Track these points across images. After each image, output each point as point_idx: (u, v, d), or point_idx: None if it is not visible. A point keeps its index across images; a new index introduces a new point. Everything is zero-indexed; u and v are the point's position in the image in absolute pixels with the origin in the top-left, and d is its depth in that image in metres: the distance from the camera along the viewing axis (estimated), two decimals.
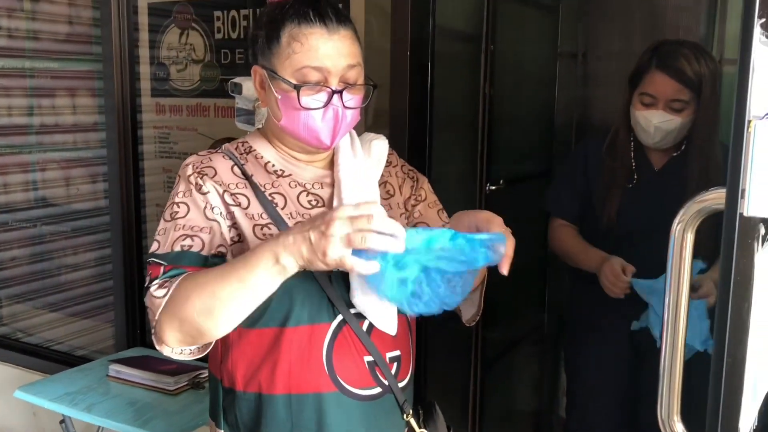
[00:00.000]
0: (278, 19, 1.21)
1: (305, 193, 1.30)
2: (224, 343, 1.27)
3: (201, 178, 1.23)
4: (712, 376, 0.77)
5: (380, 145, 1.39)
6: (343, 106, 1.22)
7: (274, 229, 1.23)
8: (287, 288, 1.17)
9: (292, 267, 1.07)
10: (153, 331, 1.17)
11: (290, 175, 1.30)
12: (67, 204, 2.76)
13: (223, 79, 2.23)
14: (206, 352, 1.23)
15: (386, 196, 1.35)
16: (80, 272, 2.80)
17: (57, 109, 2.70)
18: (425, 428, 1.35)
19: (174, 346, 1.17)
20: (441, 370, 2.23)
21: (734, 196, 0.73)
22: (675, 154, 2.02)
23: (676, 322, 0.90)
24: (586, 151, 2.17)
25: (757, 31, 0.71)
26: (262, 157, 1.31)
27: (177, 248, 1.18)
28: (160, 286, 1.15)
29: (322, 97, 1.21)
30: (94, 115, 2.58)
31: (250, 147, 1.32)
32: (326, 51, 1.20)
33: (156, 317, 1.15)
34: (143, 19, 2.35)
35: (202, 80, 2.28)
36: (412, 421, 1.32)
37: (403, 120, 1.75)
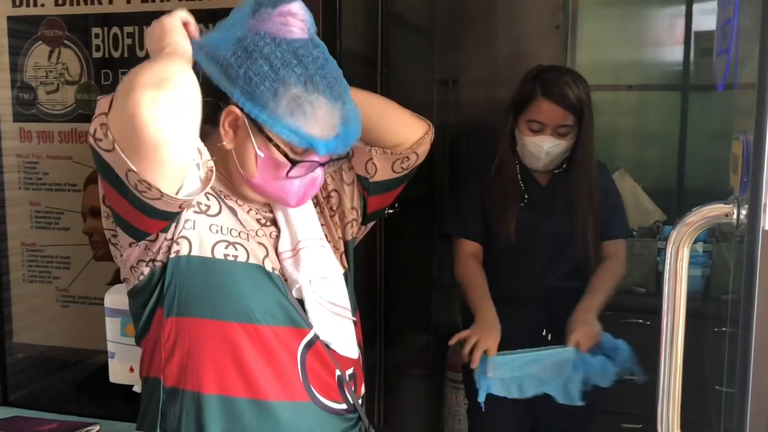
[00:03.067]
0: (280, 68, 1.11)
1: (254, 210, 1.25)
2: (175, 335, 1.16)
3: None
4: (738, 399, 0.79)
5: None
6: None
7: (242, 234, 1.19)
8: (256, 281, 1.15)
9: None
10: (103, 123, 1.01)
11: (234, 195, 1.25)
12: None
13: None
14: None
15: (332, 213, 1.35)
16: None
17: None
18: None
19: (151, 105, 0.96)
20: None
21: (756, 211, 0.76)
22: (557, 171, 2.14)
23: (674, 344, 0.92)
24: (476, 173, 2.23)
25: None
26: None
27: None
28: None
29: (305, 165, 1.17)
30: None
31: None
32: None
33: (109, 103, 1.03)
34: (1, 39, 2.09)
35: (77, 103, 2.07)
36: None
37: None
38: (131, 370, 1.66)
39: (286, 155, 1.13)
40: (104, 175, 1.06)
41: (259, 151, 1.14)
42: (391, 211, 2.35)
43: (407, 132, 1.37)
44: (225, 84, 1.12)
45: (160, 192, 1.01)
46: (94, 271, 2.10)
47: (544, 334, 2.11)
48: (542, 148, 2.03)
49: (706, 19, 2.96)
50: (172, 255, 1.13)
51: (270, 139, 1.13)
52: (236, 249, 1.16)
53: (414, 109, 2.86)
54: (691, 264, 0.92)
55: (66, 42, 2.05)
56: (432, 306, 3.09)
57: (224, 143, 1.16)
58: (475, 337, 1.91)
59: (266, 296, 1.17)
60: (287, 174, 1.14)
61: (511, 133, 2.11)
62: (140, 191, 1.02)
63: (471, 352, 1.88)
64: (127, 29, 1.98)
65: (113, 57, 2.01)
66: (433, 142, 3.13)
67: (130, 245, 1.14)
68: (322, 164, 1.18)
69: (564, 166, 2.13)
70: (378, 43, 2.22)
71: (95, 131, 1.03)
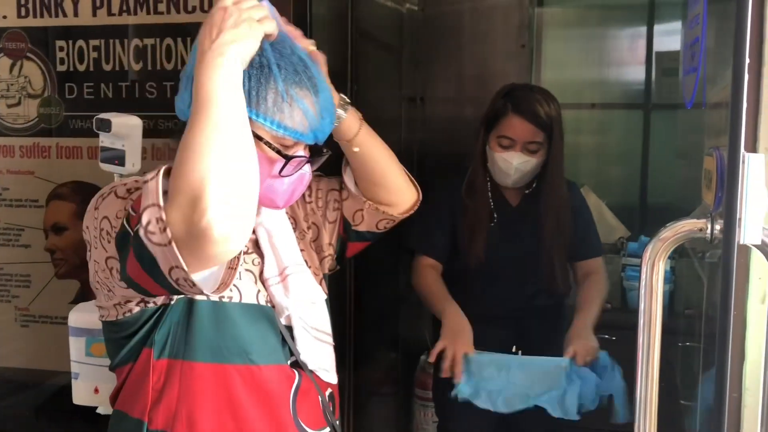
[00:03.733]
0: (261, 65, 1.09)
1: None
2: (165, 377, 1.13)
3: None
4: (714, 411, 0.80)
5: None
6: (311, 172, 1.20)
7: None
8: (252, 320, 1.14)
9: (231, 57, 0.98)
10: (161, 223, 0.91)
11: None
12: None
13: (67, 115, 2.00)
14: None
15: (311, 244, 1.36)
16: None
17: None
18: None
19: (214, 213, 0.90)
20: None
21: (732, 225, 0.77)
22: (527, 191, 2.15)
23: (650, 358, 0.93)
24: (447, 191, 2.22)
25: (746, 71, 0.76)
26: None
27: None
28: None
29: (295, 162, 1.15)
30: None
31: None
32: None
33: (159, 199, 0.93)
34: None
35: (40, 117, 2.02)
36: None
37: None
38: (96, 390, 1.62)
39: (279, 152, 1.11)
40: (141, 262, 0.97)
41: None
42: None
43: (401, 195, 1.41)
44: None
45: (202, 292, 0.98)
46: (56, 290, 2.04)
47: (513, 351, 2.10)
48: (512, 164, 2.04)
49: (667, 40, 3.04)
50: (172, 301, 1.10)
51: (260, 138, 1.10)
52: (230, 290, 1.13)
53: (383, 125, 2.87)
54: None
55: (29, 55, 2.01)
56: (400, 323, 3.08)
57: None
58: (450, 346, 1.86)
59: (261, 334, 1.16)
60: (280, 172, 1.12)
61: (482, 149, 2.12)
62: (180, 285, 0.97)
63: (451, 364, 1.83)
64: (93, 42, 1.95)
65: (78, 70, 1.97)
66: (401, 158, 3.14)
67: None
68: (309, 160, 1.17)
69: (534, 186, 2.14)
70: (347, 60, 2.22)
71: (148, 223, 0.93)
